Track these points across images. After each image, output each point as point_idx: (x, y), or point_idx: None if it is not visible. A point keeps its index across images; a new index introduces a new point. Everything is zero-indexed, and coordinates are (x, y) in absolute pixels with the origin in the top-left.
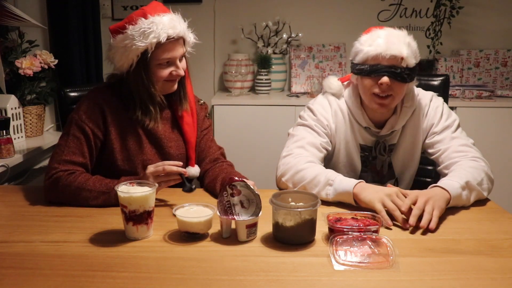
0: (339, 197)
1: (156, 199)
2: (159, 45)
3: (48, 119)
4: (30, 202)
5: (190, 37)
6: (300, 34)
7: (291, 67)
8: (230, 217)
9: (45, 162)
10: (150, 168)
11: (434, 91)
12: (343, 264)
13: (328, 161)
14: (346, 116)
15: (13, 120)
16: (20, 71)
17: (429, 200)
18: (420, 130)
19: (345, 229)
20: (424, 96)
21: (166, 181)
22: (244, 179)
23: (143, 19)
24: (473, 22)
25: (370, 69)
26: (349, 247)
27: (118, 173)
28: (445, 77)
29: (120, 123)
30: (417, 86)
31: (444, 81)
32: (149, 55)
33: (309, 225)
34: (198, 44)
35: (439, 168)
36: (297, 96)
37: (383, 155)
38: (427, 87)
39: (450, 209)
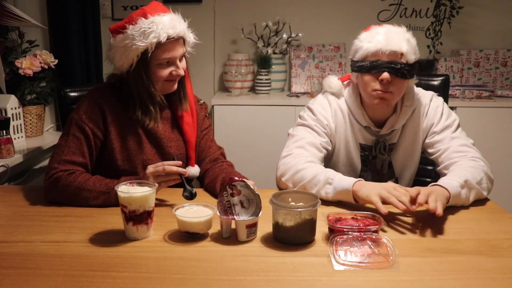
0: (339, 196)
1: (156, 199)
2: (159, 45)
3: (48, 119)
4: (30, 202)
5: (190, 37)
6: (300, 34)
7: (291, 67)
8: (230, 217)
9: (45, 162)
10: (150, 168)
11: (434, 91)
12: (343, 264)
13: (328, 161)
14: (346, 116)
15: (13, 120)
16: (20, 71)
17: (431, 194)
18: (420, 130)
19: (345, 229)
20: (424, 96)
21: (166, 181)
22: (244, 179)
23: (143, 19)
24: (473, 22)
25: (370, 66)
26: (349, 247)
27: (118, 173)
28: (445, 77)
29: (120, 123)
30: (417, 86)
31: (444, 81)
32: (149, 55)
33: (309, 225)
34: (198, 44)
35: (438, 168)
36: (297, 96)
37: (383, 154)
38: (427, 87)
39: (450, 209)
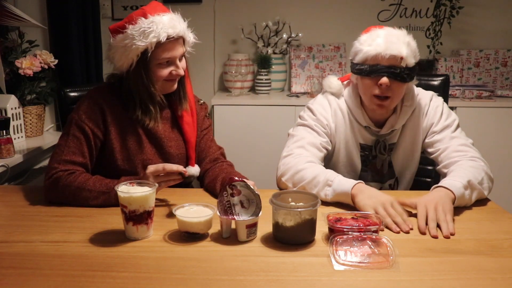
0: (338, 198)
1: (156, 199)
2: (159, 44)
3: (48, 119)
4: (30, 202)
5: (190, 37)
6: (300, 34)
7: (291, 67)
8: (230, 217)
9: (45, 162)
10: (150, 168)
11: (434, 91)
12: (343, 264)
13: (328, 161)
14: (346, 116)
15: (13, 120)
16: (20, 71)
17: (438, 206)
18: (420, 130)
19: (345, 229)
20: (424, 96)
21: (166, 181)
22: (244, 179)
23: (143, 18)
24: (473, 22)
25: (369, 69)
26: (349, 247)
27: (118, 172)
28: (445, 77)
29: (120, 122)
30: (417, 86)
31: (444, 81)
32: (149, 54)
33: (309, 225)
34: (198, 44)
35: (438, 167)
36: (297, 96)
37: (383, 154)
38: (427, 87)
39: None
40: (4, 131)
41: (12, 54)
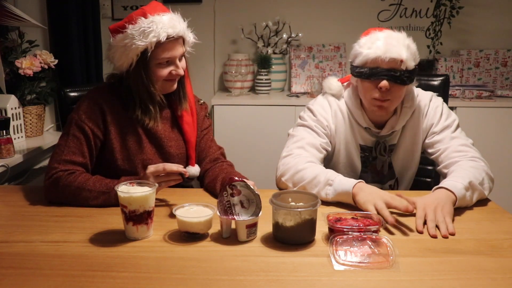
0: (339, 197)
1: (156, 199)
2: (158, 44)
3: (48, 119)
4: (30, 202)
5: (190, 37)
6: (300, 34)
7: (291, 67)
8: (230, 217)
9: (45, 162)
10: (151, 168)
11: (434, 91)
12: (343, 264)
13: (328, 162)
14: (346, 117)
15: (13, 120)
16: (20, 71)
17: (437, 208)
18: (420, 130)
19: (345, 229)
20: (424, 97)
21: (167, 181)
22: (244, 179)
23: (143, 18)
24: (473, 22)
25: (369, 73)
26: (349, 247)
27: (118, 172)
28: (445, 77)
29: (120, 122)
30: (417, 86)
31: (444, 81)
32: (148, 54)
33: (309, 225)
34: (198, 44)
35: (438, 167)
36: (297, 96)
37: (383, 155)
38: (427, 87)
39: None
40: (4, 131)
41: (12, 54)
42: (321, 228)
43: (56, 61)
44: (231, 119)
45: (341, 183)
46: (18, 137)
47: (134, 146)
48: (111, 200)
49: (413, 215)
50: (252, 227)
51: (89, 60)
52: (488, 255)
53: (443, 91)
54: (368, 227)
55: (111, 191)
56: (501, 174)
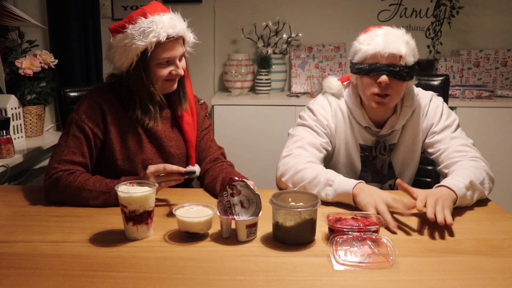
0: (339, 198)
1: (156, 199)
2: (158, 44)
3: (48, 119)
4: (30, 202)
5: (190, 37)
6: (300, 34)
7: (291, 67)
8: (230, 217)
9: (45, 162)
10: (151, 168)
11: (434, 91)
12: (343, 264)
13: (328, 161)
14: (346, 116)
15: (13, 120)
16: (20, 71)
17: (438, 200)
18: (420, 130)
19: (345, 229)
20: (424, 96)
21: (167, 181)
22: (244, 179)
23: (143, 18)
24: (473, 22)
25: (369, 68)
26: (349, 247)
27: (118, 172)
28: (445, 77)
29: (120, 122)
30: (417, 86)
31: (444, 81)
32: (148, 54)
33: (309, 225)
34: (198, 44)
35: (439, 167)
36: (297, 96)
37: (383, 154)
38: (427, 87)
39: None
40: (4, 131)
41: (12, 54)
42: (321, 228)
43: (56, 61)
44: (231, 119)
45: (341, 183)
46: (18, 137)
47: (134, 146)
48: (111, 200)
49: (413, 215)
50: (252, 227)
51: (89, 60)
52: (488, 255)
53: (443, 91)
54: (368, 227)
55: (111, 191)
56: (501, 174)
